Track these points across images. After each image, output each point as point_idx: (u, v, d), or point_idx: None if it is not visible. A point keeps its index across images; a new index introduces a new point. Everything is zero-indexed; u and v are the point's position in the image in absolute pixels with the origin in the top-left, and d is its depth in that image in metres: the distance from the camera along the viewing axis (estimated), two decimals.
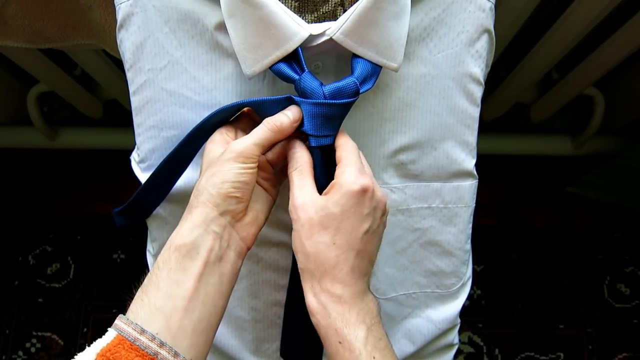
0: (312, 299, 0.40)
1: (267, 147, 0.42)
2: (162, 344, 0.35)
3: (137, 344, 0.35)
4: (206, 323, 0.38)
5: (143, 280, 0.39)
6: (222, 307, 0.41)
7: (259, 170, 0.45)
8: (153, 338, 0.35)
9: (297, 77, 0.41)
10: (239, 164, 0.40)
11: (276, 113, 0.42)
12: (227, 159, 0.40)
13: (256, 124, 0.43)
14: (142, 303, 0.37)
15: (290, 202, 0.41)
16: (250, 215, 0.42)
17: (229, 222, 0.41)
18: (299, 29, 0.40)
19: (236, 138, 0.44)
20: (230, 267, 0.41)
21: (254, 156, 0.40)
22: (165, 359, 0.35)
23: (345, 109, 0.42)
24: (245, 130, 0.45)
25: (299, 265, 0.41)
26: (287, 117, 0.42)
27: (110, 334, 0.35)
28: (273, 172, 0.46)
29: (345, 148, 0.42)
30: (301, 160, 0.42)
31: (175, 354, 0.35)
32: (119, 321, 0.36)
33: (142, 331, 0.35)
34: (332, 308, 0.40)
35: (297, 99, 0.42)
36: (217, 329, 0.40)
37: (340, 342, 0.39)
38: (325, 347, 0.40)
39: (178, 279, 0.38)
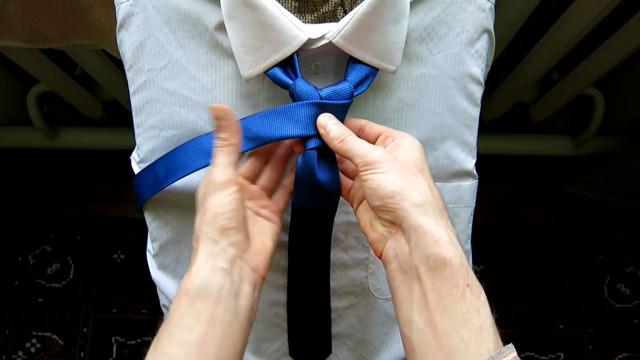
0: (443, 234, 0.36)
1: (237, 161, 0.41)
2: None
3: None
4: None
5: (159, 328, 0.38)
6: (241, 347, 0.39)
7: (255, 199, 0.45)
8: None
9: (291, 82, 0.42)
10: (219, 193, 0.39)
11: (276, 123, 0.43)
12: (208, 193, 0.40)
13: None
14: (155, 352, 0.36)
15: (368, 156, 0.39)
16: (256, 244, 0.42)
17: (235, 255, 0.39)
18: (298, 33, 0.41)
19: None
20: (247, 301, 0.39)
21: (228, 179, 0.40)
22: None
23: (340, 110, 0.42)
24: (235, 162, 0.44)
25: (416, 198, 0.37)
26: (220, 125, 0.41)
27: None
28: (270, 199, 0.46)
29: (373, 124, 0.43)
30: (340, 129, 0.42)
31: None
32: None
33: None
34: (459, 248, 0.36)
35: (287, 105, 0.43)
36: None
37: (468, 285, 0.35)
38: (447, 289, 0.35)
39: (189, 324, 0.36)
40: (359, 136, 0.43)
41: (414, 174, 0.38)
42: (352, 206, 0.45)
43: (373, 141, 0.43)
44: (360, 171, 0.39)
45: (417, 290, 0.36)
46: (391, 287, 0.39)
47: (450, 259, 0.35)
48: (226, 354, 0.37)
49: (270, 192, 0.47)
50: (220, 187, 0.39)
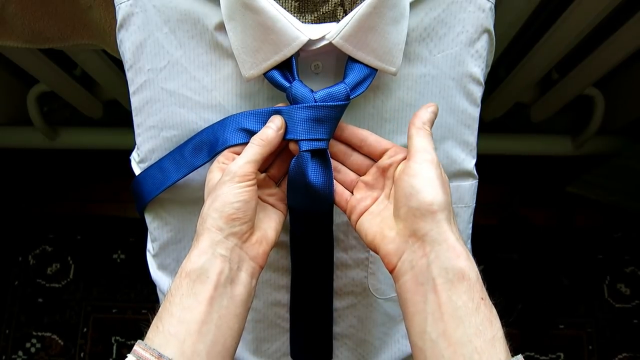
0: (463, 249, 0.37)
1: (261, 162, 0.42)
2: None
3: None
4: (221, 346, 0.39)
5: (158, 309, 0.40)
6: (237, 329, 0.40)
7: (262, 187, 0.45)
8: None
9: (287, 85, 0.42)
10: (236, 184, 0.40)
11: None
12: (224, 181, 0.41)
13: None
14: (157, 330, 0.38)
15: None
16: (257, 234, 0.43)
17: (236, 244, 0.41)
18: (298, 34, 0.41)
19: None
20: (243, 288, 0.41)
21: (249, 174, 0.41)
22: None
23: (334, 111, 0.42)
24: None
25: (448, 215, 0.38)
26: (271, 128, 0.43)
27: None
28: (277, 187, 0.47)
29: (379, 139, 0.44)
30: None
31: None
32: (138, 347, 0.37)
33: (160, 356, 0.36)
34: (475, 265, 0.37)
35: (283, 108, 0.43)
36: (234, 352, 0.41)
37: (482, 299, 0.36)
38: (463, 302, 0.36)
39: (190, 304, 0.38)
40: (360, 148, 0.44)
41: (445, 192, 0.39)
42: (349, 218, 0.45)
43: (378, 156, 0.43)
44: (414, 162, 0.39)
45: (433, 302, 0.36)
46: (403, 299, 0.39)
47: (469, 273, 0.36)
48: (223, 335, 0.39)
49: (277, 180, 0.48)
50: (237, 179, 0.40)
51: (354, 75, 0.43)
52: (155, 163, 0.48)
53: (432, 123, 0.42)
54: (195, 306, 0.38)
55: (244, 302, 0.41)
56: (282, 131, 0.43)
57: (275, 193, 0.46)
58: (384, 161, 0.43)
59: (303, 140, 0.43)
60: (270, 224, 0.45)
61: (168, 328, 0.37)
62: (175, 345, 0.36)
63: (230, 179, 0.40)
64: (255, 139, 0.42)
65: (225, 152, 0.44)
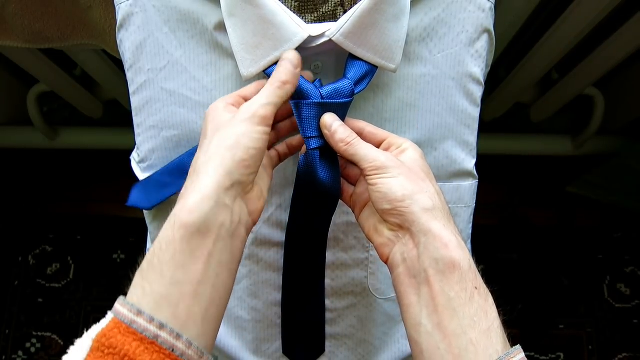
0: (452, 237, 0.36)
1: (278, 107, 0.39)
2: (162, 326, 0.31)
3: (134, 326, 0.31)
4: (216, 308, 0.35)
5: (141, 262, 0.35)
6: (230, 287, 0.37)
7: None
8: (151, 319, 0.31)
9: None
10: (255, 126, 0.37)
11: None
12: (242, 119, 0.37)
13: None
14: (143, 292, 0.33)
15: (377, 161, 0.39)
16: (256, 189, 0.40)
17: (239, 195, 0.37)
18: (298, 30, 0.41)
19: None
20: (240, 244, 0.38)
21: (269, 117, 0.38)
22: (166, 342, 0.31)
23: (341, 109, 0.42)
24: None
25: (426, 203, 0.37)
26: (286, 67, 0.39)
27: (107, 317, 0.32)
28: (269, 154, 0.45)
29: (375, 129, 0.43)
30: (346, 132, 0.41)
31: (177, 336, 0.32)
32: (117, 303, 0.33)
33: (139, 312, 0.32)
34: (467, 252, 0.36)
35: (292, 102, 0.42)
36: (223, 314, 0.37)
37: (476, 288, 0.35)
38: (456, 292, 0.35)
39: (185, 262, 0.33)
40: None
41: (422, 179, 0.39)
42: (353, 212, 0.45)
43: (376, 147, 0.43)
44: (368, 175, 0.39)
45: (426, 294, 0.36)
46: (398, 292, 0.39)
47: (459, 262, 0.35)
48: (219, 294, 0.35)
49: (270, 146, 0.45)
50: (258, 120, 0.37)
51: (355, 71, 0.42)
52: (154, 176, 0.48)
53: (343, 128, 0.41)
54: (191, 264, 0.33)
55: (238, 259, 0.38)
56: (299, 69, 0.40)
57: (268, 155, 0.44)
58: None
59: (312, 137, 0.42)
60: (264, 184, 0.41)
61: (158, 289, 0.33)
62: (168, 309, 0.32)
63: (249, 118, 0.37)
64: (273, 81, 0.39)
65: (235, 94, 0.42)
